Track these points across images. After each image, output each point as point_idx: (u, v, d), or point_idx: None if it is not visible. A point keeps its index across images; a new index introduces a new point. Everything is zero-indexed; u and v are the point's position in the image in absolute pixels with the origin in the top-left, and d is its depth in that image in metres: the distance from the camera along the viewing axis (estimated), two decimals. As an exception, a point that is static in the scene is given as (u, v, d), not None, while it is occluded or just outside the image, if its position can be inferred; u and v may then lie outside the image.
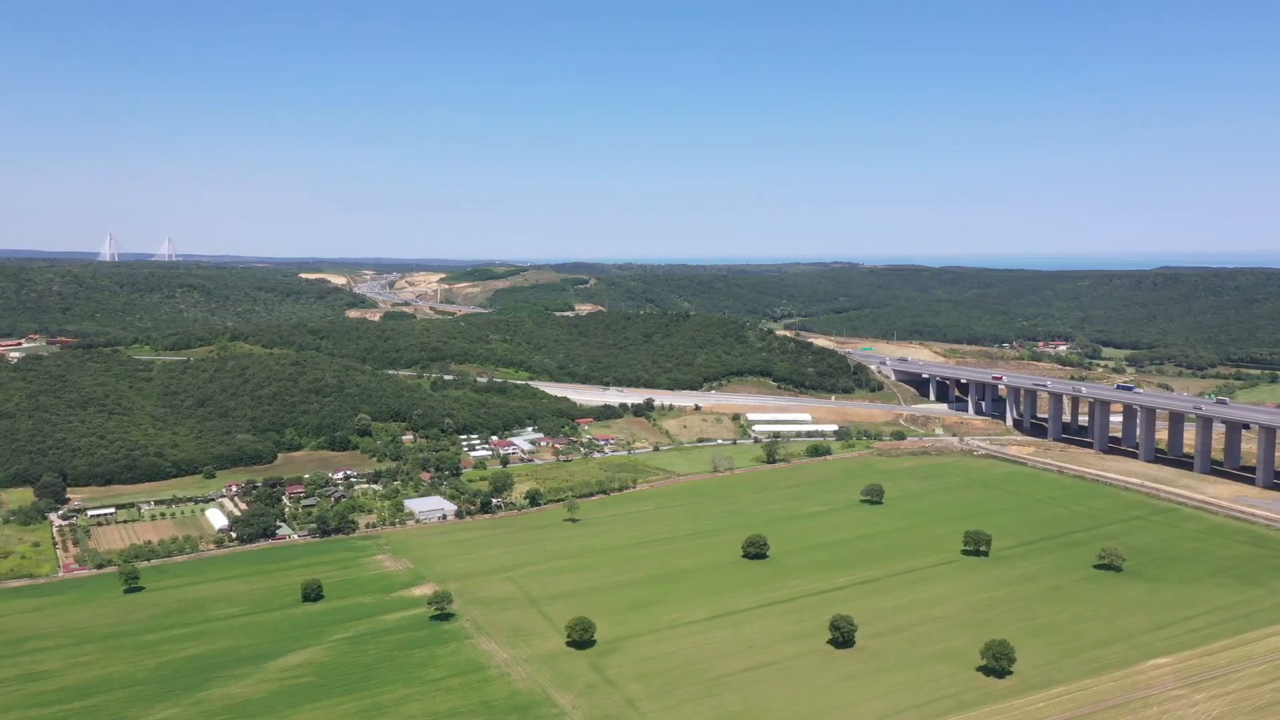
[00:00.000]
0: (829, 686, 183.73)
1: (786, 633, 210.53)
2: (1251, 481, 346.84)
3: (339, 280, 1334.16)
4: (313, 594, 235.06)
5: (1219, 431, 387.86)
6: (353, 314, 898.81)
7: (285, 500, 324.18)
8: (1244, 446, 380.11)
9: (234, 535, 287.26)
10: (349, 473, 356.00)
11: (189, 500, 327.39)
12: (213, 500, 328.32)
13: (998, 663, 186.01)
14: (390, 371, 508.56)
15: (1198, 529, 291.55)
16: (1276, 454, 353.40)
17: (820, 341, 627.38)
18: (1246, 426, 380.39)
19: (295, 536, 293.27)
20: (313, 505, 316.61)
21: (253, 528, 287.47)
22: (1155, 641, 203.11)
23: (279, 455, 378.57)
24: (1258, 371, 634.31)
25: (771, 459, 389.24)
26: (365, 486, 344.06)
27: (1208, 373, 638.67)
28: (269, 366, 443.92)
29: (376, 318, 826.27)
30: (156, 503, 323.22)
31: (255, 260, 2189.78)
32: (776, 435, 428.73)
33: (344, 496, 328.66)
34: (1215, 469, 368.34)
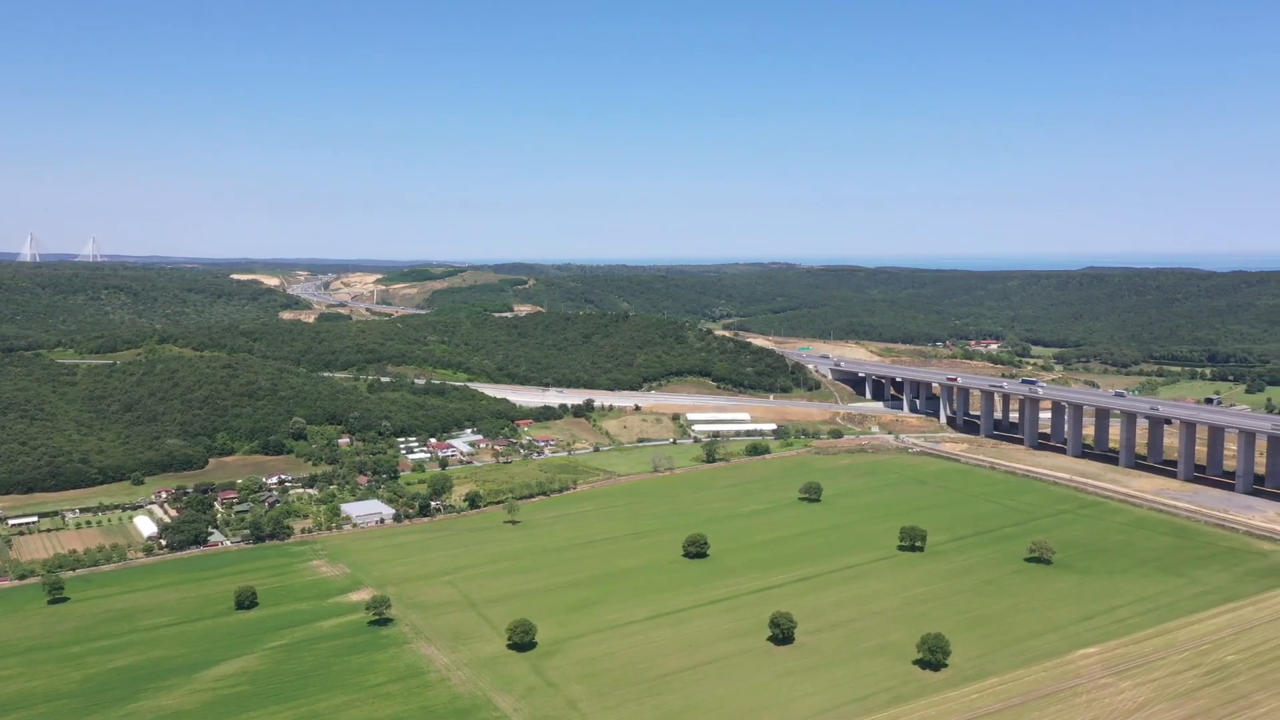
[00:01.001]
0: (769, 683, 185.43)
1: (727, 631, 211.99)
2: (1173, 475, 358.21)
3: (272, 281, 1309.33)
4: (246, 601, 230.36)
5: (1142, 427, 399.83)
6: (287, 315, 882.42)
7: (218, 506, 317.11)
8: (1166, 441, 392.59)
9: (164, 543, 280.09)
10: (284, 477, 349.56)
11: (116, 508, 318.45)
12: (141, 507, 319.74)
13: (933, 656, 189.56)
14: (326, 374, 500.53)
15: (1123, 521, 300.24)
16: (1196, 448, 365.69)
17: (759, 341, 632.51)
18: (1169, 422, 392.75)
19: (228, 543, 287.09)
20: (246, 511, 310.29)
21: (183, 535, 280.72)
22: (1084, 632, 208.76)
23: (211, 460, 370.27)
24: (1178, 368, 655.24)
25: (711, 458, 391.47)
26: (301, 491, 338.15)
27: (1131, 370, 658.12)
28: (200, 369, 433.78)
29: (311, 319, 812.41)
30: (82, 510, 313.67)
31: (185, 261, 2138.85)
32: (716, 435, 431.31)
33: (278, 501, 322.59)
34: (1139, 463, 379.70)
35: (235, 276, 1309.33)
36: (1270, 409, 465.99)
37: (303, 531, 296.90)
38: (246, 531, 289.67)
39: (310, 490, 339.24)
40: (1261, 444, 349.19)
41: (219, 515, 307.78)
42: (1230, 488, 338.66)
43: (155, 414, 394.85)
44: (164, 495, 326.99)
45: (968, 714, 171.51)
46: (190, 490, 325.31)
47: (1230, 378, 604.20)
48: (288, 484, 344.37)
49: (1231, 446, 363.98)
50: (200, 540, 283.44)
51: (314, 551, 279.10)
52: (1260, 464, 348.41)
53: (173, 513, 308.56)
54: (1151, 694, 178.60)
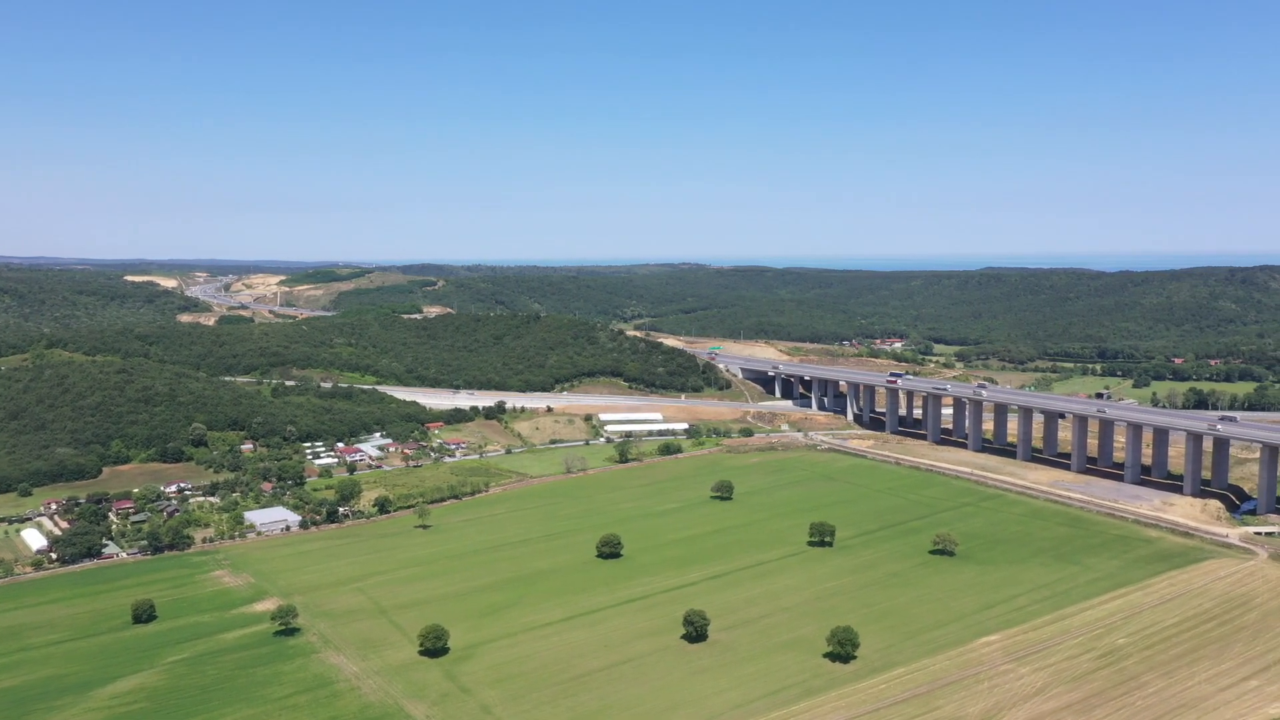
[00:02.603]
0: (684, 680, 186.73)
1: (641, 630, 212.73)
2: (1067, 467, 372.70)
3: (169, 283, 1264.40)
4: (144, 615, 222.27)
5: (1038, 421, 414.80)
6: (185, 318, 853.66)
7: (112, 517, 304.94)
8: (1060, 435, 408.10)
9: (54, 556, 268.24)
10: (183, 485, 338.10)
11: (1, 520, 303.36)
12: (29, 519, 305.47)
13: (843, 648, 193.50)
14: (227, 378, 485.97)
15: (1021, 513, 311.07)
16: (1088, 440, 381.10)
17: (670, 341, 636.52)
18: (1063, 416, 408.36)
19: (124, 555, 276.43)
20: (143, 521, 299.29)
21: (75, 547, 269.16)
22: (985, 620, 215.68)
23: (104, 469, 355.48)
24: (1071, 365, 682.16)
25: (624, 458, 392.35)
26: (201, 499, 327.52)
27: (1028, 366, 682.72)
28: (92, 375, 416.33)
29: (211, 322, 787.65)
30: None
31: (74, 262, 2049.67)
32: (628, 435, 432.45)
33: (178, 510, 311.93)
34: (1036, 456, 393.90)
35: (129, 278, 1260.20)
36: (1156, 403, 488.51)
37: (204, 541, 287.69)
38: (144, 542, 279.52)
39: (212, 498, 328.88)
40: (1148, 436, 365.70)
41: (114, 526, 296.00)
42: (1119, 478, 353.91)
43: (44, 422, 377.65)
44: (54, 506, 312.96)
45: (876, 704, 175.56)
46: (82, 501, 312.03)
47: (1119, 373, 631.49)
48: (188, 492, 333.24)
49: (1120, 439, 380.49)
50: (94, 553, 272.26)
51: (216, 561, 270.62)
52: (1147, 455, 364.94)
53: (64, 525, 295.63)
54: (1049, 678, 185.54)
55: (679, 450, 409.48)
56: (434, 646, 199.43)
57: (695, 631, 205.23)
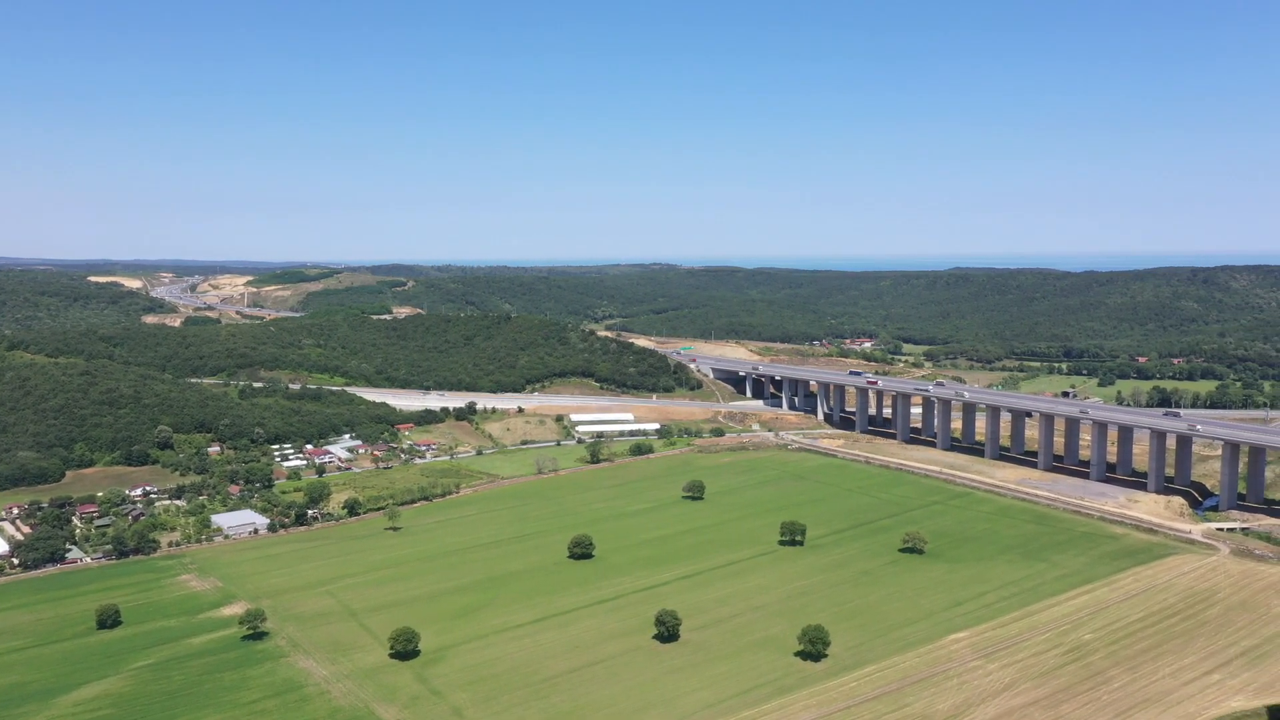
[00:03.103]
0: (655, 680, 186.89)
1: (613, 630, 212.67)
2: (1034, 465, 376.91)
3: (134, 284, 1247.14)
4: (109, 620, 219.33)
5: (1006, 420, 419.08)
6: (150, 319, 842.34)
7: (76, 521, 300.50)
8: (1027, 433, 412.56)
9: (16, 561, 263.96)
10: (149, 488, 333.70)
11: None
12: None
13: (814, 647, 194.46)
14: (194, 380, 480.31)
15: (989, 510, 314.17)
16: (1055, 439, 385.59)
17: (641, 342, 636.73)
18: (1029, 415, 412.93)
19: (88, 559, 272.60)
20: (108, 525, 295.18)
21: (38, 552, 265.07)
22: (954, 618, 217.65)
23: (68, 473, 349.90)
24: (1038, 364, 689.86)
25: (595, 459, 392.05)
26: (168, 503, 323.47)
27: (995, 365, 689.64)
28: (54, 377, 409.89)
29: (177, 323, 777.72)
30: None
31: (35, 262, 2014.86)
32: (600, 435, 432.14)
33: (143, 514, 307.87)
34: (1003, 455, 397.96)
35: (93, 279, 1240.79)
36: (1121, 401, 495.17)
37: (170, 545, 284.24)
38: (109, 547, 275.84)
39: (178, 502, 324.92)
40: (1113, 434, 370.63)
41: (78, 530, 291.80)
42: (1085, 476, 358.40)
43: (5, 425, 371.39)
44: (15, 511, 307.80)
45: (847, 702, 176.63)
46: (45, 505, 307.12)
47: (1084, 372, 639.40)
48: (153, 496, 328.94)
49: (1086, 437, 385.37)
50: (57, 558, 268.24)
51: (183, 566, 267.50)
52: (1112, 453, 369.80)
53: (26, 529, 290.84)
54: (1017, 674, 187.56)
55: (650, 450, 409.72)
56: (405, 649, 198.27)
57: (667, 631, 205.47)
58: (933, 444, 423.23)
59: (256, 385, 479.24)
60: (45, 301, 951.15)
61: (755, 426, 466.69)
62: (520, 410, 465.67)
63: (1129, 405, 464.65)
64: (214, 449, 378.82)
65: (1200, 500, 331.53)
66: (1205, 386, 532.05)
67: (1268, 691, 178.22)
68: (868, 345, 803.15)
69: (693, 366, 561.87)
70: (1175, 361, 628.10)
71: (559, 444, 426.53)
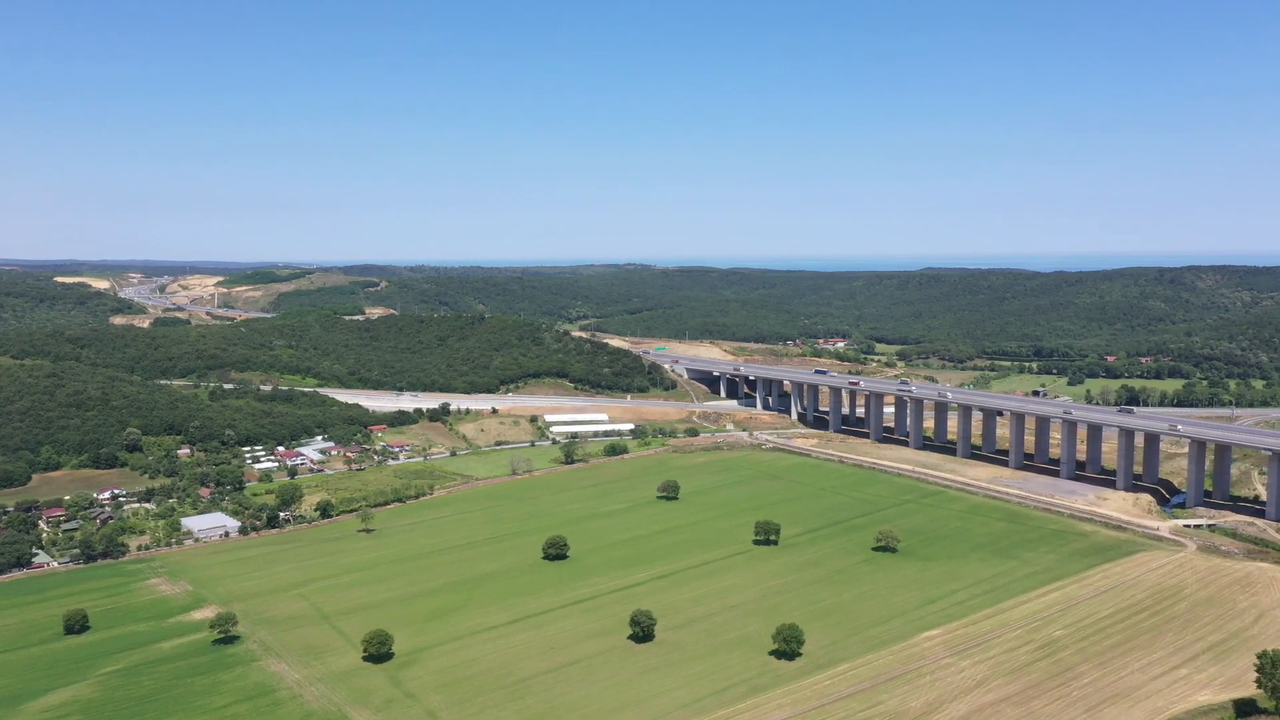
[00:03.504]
0: (630, 681, 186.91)
1: (588, 631, 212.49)
2: (1005, 463, 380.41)
3: (102, 284, 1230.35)
4: (77, 625, 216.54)
5: (977, 419, 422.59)
6: (118, 320, 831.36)
7: (42, 525, 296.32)
8: (999, 432, 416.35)
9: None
10: (117, 491, 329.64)
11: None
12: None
13: (788, 646, 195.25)
14: (163, 381, 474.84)
15: (961, 509, 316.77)
16: (1026, 437, 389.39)
17: (615, 342, 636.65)
18: (1000, 414, 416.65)
19: (55, 564, 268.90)
20: (75, 529, 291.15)
21: (3, 557, 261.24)
22: (927, 615, 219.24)
23: (34, 476, 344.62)
24: (1009, 363, 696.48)
25: (570, 459, 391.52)
26: (136, 506, 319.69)
27: (966, 365, 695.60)
28: (20, 379, 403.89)
29: (146, 324, 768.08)
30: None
31: (1, 263, 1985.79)
32: (574, 436, 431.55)
33: (112, 518, 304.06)
34: (975, 453, 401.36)
35: (59, 279, 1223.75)
36: (1090, 400, 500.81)
37: (139, 549, 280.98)
38: (76, 551, 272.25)
39: (147, 505, 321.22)
40: (1082, 433, 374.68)
41: (44, 535, 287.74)
42: (1056, 474, 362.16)
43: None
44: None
45: (821, 700, 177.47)
46: (11, 509, 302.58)
47: (1054, 371, 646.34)
48: (122, 499, 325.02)
49: (1056, 436, 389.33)
50: (23, 562, 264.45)
51: (152, 569, 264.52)
52: (1081, 451, 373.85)
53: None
54: (989, 671, 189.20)
55: (625, 451, 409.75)
56: (378, 652, 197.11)
57: (642, 632, 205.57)
58: (905, 443, 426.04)
59: (227, 387, 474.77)
60: (10, 302, 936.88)
61: (730, 426, 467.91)
62: (494, 411, 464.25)
63: (1098, 404, 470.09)
64: (184, 451, 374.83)
65: (1168, 497, 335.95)
66: (1172, 385, 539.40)
67: (1234, 685, 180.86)
68: (841, 345, 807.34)
69: (667, 367, 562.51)
70: (1143, 360, 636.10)
71: (533, 445, 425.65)
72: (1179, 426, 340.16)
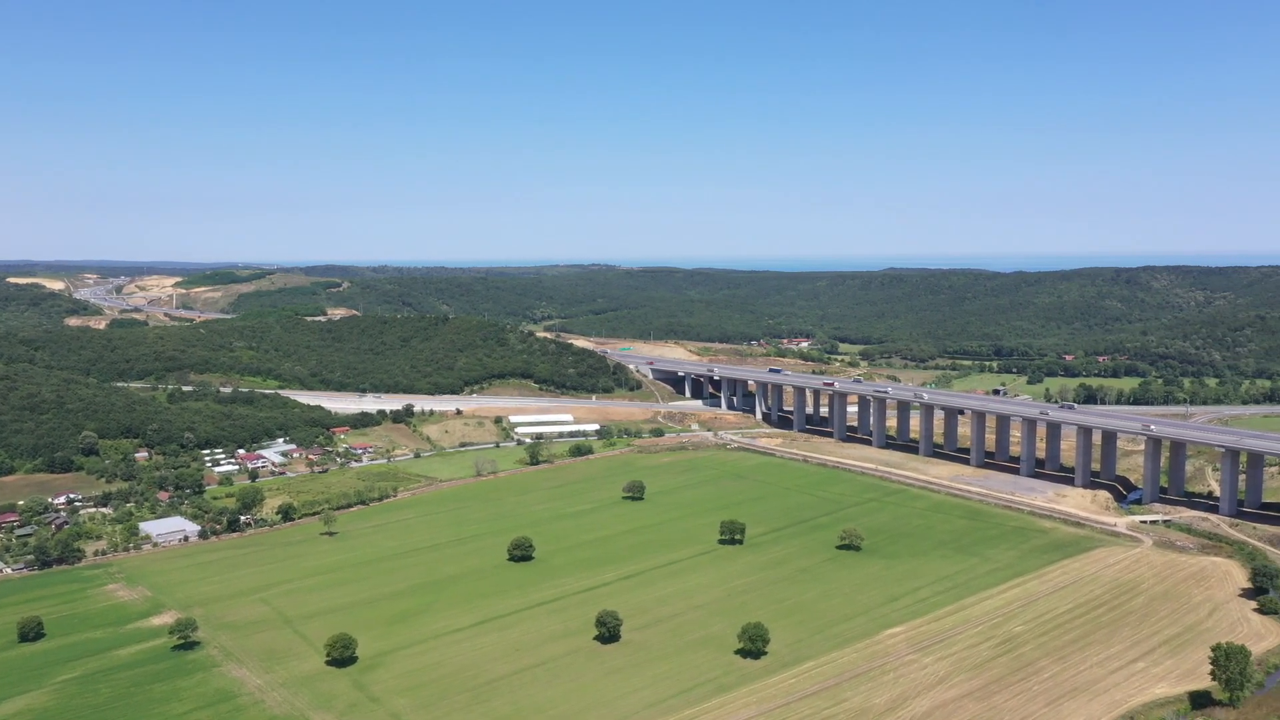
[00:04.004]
0: (596, 681, 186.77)
1: (554, 632, 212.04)
2: (967, 461, 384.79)
3: (56, 285, 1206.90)
4: (31, 633, 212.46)
5: (939, 417, 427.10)
6: (73, 322, 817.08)
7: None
8: (960, 430, 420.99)
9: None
10: (73, 496, 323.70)
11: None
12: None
13: (753, 644, 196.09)
14: (120, 384, 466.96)
15: (923, 507, 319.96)
16: (986, 436, 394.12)
17: (580, 342, 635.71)
18: (961, 412, 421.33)
19: (9, 570, 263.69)
20: (29, 534, 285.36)
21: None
22: (890, 613, 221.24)
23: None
24: (969, 362, 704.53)
25: (535, 460, 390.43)
26: (93, 510, 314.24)
27: (928, 364, 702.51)
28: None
29: (102, 326, 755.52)
30: None
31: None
32: (539, 436, 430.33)
33: (67, 523, 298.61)
34: (937, 451, 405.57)
35: (12, 280, 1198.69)
36: (1048, 398, 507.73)
37: (96, 554, 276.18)
38: (30, 557, 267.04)
39: (104, 509, 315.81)
40: (1041, 431, 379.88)
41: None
42: (1016, 471, 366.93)
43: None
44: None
45: (786, 698, 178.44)
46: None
47: (1014, 370, 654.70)
48: (78, 503, 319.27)
49: (1016, 434, 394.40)
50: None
51: (109, 575, 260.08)
52: (1041, 449, 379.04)
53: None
54: (951, 667, 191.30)
55: (590, 451, 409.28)
56: (341, 656, 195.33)
57: (608, 632, 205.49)
58: (869, 442, 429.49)
59: (186, 389, 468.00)
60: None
61: (694, 426, 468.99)
62: (459, 412, 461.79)
63: (1056, 403, 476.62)
64: (142, 455, 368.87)
65: (1125, 494, 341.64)
66: (1129, 383, 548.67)
67: (1189, 678, 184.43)
68: (805, 345, 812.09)
69: (632, 367, 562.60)
70: (1100, 359, 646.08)
71: (498, 446, 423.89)
72: (1151, 427, 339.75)
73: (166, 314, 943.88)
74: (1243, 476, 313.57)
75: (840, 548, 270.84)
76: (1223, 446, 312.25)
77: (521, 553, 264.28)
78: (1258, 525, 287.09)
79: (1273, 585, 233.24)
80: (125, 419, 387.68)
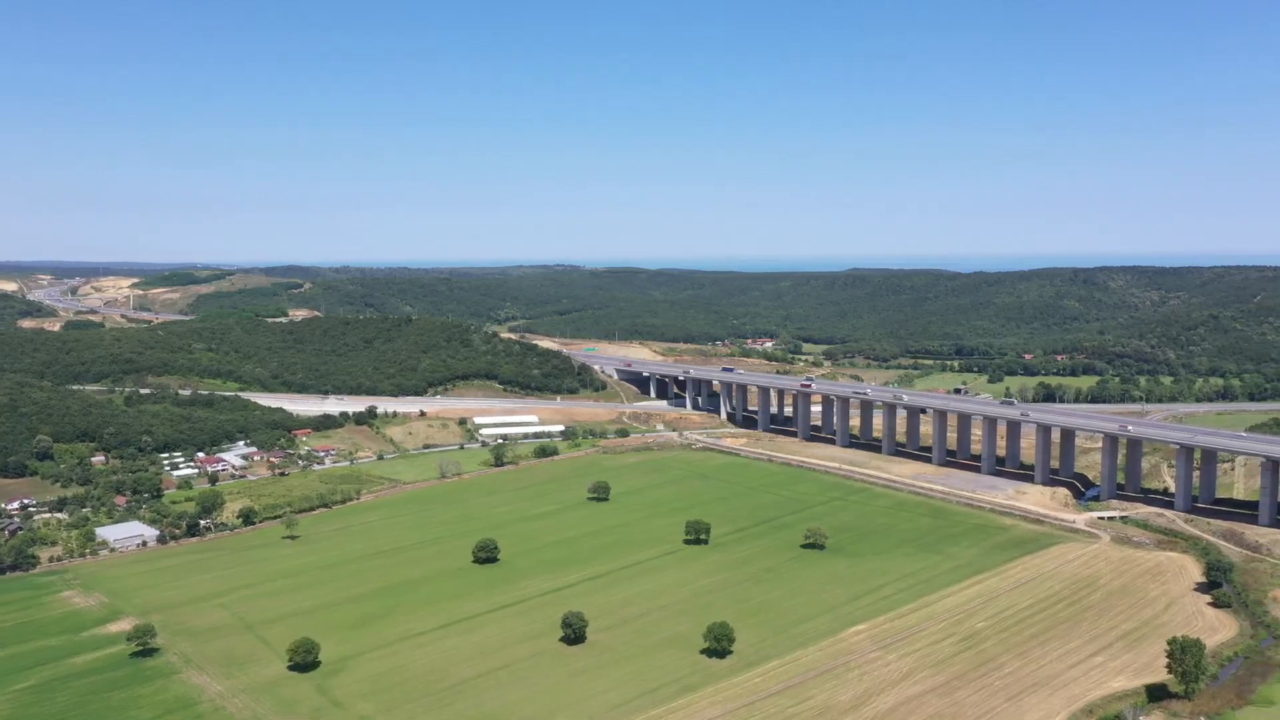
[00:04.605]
0: (562, 683, 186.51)
1: (519, 634, 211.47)
2: (929, 460, 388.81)
3: (9, 286, 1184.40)
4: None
5: (902, 417, 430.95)
6: (27, 323, 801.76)
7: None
8: (922, 429, 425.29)
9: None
10: (26, 501, 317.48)
11: None
12: None
13: (719, 644, 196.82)
14: (76, 387, 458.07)
15: (887, 505, 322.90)
16: (948, 434, 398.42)
17: (545, 343, 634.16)
18: (924, 411, 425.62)
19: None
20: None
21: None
22: (854, 611, 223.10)
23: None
24: (931, 361, 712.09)
25: (499, 462, 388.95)
26: (48, 516, 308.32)
27: (891, 364, 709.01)
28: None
29: (57, 327, 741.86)
30: None
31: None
32: (504, 438, 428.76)
33: (21, 528, 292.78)
34: (900, 450, 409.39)
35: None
36: (1008, 396, 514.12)
37: (51, 560, 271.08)
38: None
39: (59, 514, 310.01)
40: (1002, 429, 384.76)
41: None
42: (978, 469, 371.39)
43: None
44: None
45: (752, 697, 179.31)
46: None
47: (975, 369, 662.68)
48: (32, 509, 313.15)
49: (977, 432, 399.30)
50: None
51: (65, 581, 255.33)
52: (1001, 447, 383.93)
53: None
54: (915, 663, 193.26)
55: (555, 452, 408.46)
56: (304, 661, 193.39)
57: (573, 633, 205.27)
58: (833, 441, 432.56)
59: (143, 392, 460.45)
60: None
61: (660, 426, 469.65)
62: (422, 414, 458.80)
63: (1015, 401, 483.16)
64: (98, 459, 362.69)
65: (1083, 491, 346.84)
66: (1086, 382, 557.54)
67: (1146, 671, 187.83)
68: (769, 345, 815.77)
69: (597, 368, 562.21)
70: (1059, 358, 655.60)
71: (462, 447, 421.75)
72: (1129, 428, 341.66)
73: (123, 315, 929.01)
74: (1197, 473, 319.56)
75: (805, 547, 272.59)
76: (1178, 444, 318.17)
77: (486, 554, 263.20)
78: (1212, 520, 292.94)
79: (1226, 579, 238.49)
80: (81, 422, 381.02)
